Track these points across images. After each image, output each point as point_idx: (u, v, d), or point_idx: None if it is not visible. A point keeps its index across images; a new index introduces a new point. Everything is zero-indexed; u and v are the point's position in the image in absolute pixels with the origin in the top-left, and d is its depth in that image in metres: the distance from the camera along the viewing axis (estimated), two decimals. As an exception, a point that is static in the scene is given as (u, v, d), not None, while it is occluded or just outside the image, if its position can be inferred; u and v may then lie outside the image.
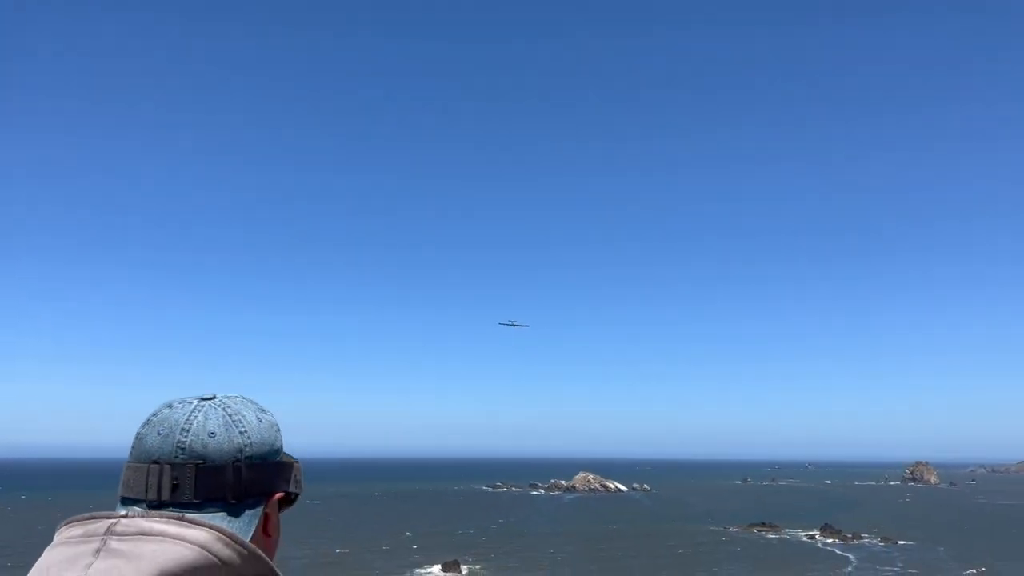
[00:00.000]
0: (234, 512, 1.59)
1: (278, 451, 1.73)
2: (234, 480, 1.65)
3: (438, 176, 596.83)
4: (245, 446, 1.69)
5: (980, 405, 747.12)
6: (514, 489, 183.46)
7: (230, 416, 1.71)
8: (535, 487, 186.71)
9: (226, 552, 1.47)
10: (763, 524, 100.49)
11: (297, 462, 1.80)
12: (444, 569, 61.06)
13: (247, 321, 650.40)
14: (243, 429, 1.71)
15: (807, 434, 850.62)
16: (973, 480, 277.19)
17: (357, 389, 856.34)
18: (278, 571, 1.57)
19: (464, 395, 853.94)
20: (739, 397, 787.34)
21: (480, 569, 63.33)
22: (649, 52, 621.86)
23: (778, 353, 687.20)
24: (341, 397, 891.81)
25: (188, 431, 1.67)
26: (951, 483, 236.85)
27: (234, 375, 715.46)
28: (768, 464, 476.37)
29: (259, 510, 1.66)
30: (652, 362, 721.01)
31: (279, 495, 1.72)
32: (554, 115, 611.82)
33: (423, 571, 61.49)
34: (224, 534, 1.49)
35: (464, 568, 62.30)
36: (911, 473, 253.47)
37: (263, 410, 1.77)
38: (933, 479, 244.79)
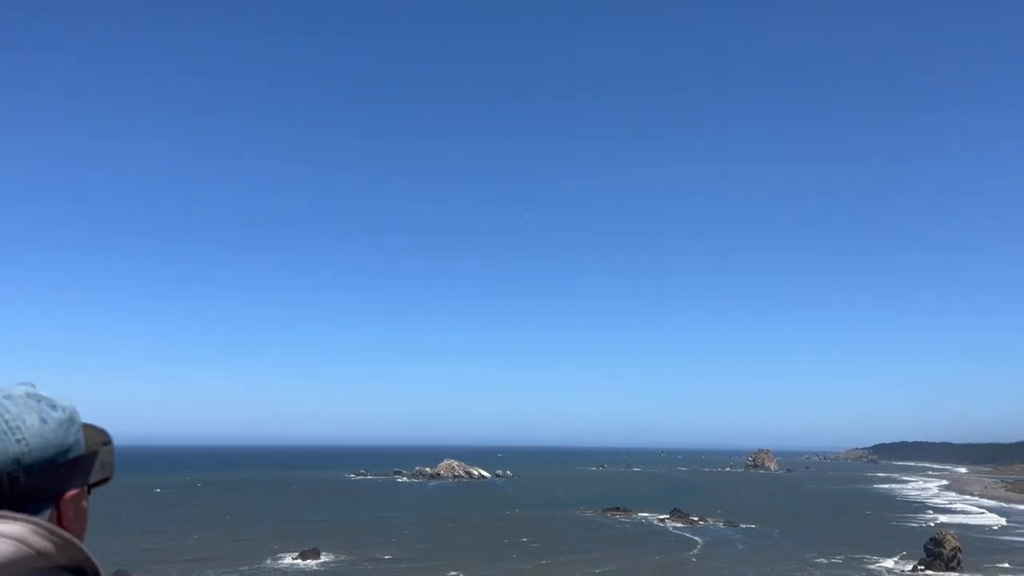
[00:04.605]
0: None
1: (68, 449, 1.66)
2: (10, 491, 1.58)
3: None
4: (23, 454, 1.61)
5: (818, 401, 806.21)
6: (379, 477, 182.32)
7: (6, 423, 1.62)
8: (400, 474, 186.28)
9: (42, 543, 1.50)
10: (617, 508, 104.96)
11: (107, 443, 1.75)
12: (302, 557, 60.37)
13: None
14: (20, 436, 1.62)
15: (664, 422, 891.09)
16: (808, 467, 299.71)
17: (222, 376, 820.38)
18: (92, 557, 1.58)
19: (333, 382, 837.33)
20: (603, 387, 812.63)
21: (340, 557, 63.03)
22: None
23: (635, 348, 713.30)
24: (208, 384, 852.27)
25: None
26: (788, 470, 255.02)
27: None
28: (624, 451, 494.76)
29: (46, 513, 1.63)
30: (514, 351, 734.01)
31: (73, 492, 1.67)
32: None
33: (281, 560, 60.54)
34: (40, 526, 1.50)
35: (323, 556, 61.77)
36: (753, 460, 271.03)
37: (53, 406, 1.67)
38: (773, 466, 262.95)
